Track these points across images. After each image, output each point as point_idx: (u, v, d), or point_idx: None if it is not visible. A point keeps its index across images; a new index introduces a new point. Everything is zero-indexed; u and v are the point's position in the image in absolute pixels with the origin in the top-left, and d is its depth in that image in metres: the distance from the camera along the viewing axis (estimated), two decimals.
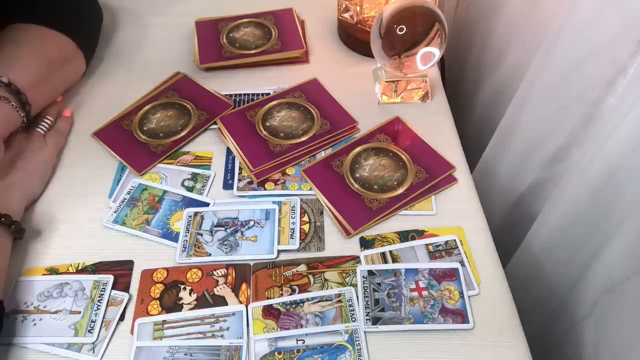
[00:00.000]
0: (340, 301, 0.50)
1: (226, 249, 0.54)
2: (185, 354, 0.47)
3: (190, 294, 0.51)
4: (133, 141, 0.63)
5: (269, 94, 0.68)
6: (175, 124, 0.64)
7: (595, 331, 0.55)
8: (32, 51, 0.60)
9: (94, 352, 0.47)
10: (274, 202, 0.57)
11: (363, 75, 0.70)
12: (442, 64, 0.83)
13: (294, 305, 0.50)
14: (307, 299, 0.50)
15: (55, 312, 0.49)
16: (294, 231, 0.55)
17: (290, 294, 0.50)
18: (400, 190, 0.57)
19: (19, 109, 0.56)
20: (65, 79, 0.65)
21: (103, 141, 0.63)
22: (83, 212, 0.57)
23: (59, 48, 0.63)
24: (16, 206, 0.54)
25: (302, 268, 0.52)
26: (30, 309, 0.50)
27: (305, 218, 0.56)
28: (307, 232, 0.55)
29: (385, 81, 0.66)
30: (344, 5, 0.71)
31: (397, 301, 0.49)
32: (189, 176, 0.60)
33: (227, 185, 0.59)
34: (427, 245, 0.54)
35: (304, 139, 0.62)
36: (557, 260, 0.62)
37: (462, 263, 0.52)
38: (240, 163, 0.61)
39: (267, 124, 0.64)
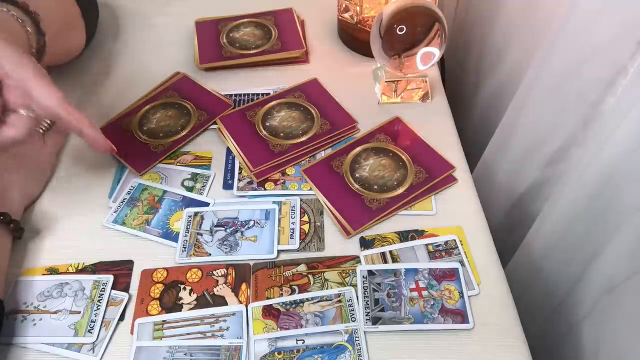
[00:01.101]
0: (340, 301, 0.50)
1: (226, 249, 0.54)
2: (185, 354, 0.47)
3: (190, 294, 0.51)
4: (133, 141, 0.63)
5: (269, 94, 0.68)
6: (175, 124, 0.64)
7: (595, 331, 0.56)
8: (56, 5, 0.60)
9: (93, 352, 0.47)
10: (274, 202, 0.57)
11: (363, 75, 0.70)
12: (442, 64, 0.84)
13: (293, 305, 0.50)
14: (307, 299, 0.50)
15: (55, 312, 0.49)
16: (293, 231, 0.55)
17: (290, 294, 0.50)
18: (400, 190, 0.57)
19: (34, 49, 0.54)
20: (70, 44, 0.65)
21: None
22: (83, 212, 0.57)
23: (68, 11, 0.63)
24: (16, 206, 0.54)
25: (302, 268, 0.52)
26: (30, 309, 0.50)
27: (305, 218, 0.56)
28: (307, 232, 0.55)
29: (385, 81, 0.66)
30: (344, 5, 0.71)
31: (397, 301, 0.49)
32: (189, 176, 0.60)
33: (227, 185, 0.59)
34: (427, 245, 0.54)
35: (304, 139, 0.62)
36: (557, 260, 0.62)
37: (462, 263, 0.52)
38: (240, 163, 0.61)
39: (267, 124, 0.64)
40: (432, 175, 0.58)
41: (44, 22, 0.54)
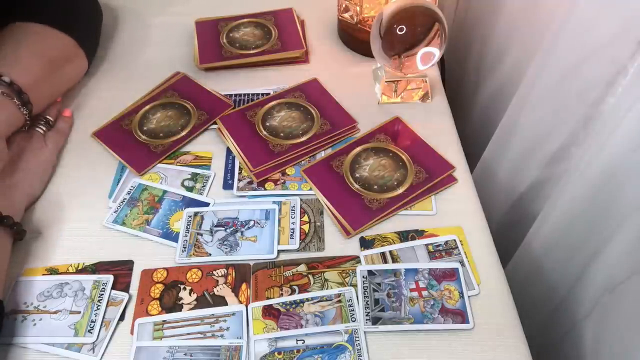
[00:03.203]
0: (340, 301, 0.50)
1: (226, 249, 0.54)
2: (185, 354, 0.47)
3: (190, 294, 0.51)
4: (133, 141, 0.63)
5: (269, 94, 0.68)
6: (175, 124, 0.64)
7: (595, 331, 0.56)
8: (33, 50, 0.60)
9: (93, 352, 0.47)
10: (274, 202, 0.57)
11: (363, 75, 0.70)
12: (442, 64, 0.83)
13: (293, 305, 0.50)
14: (307, 299, 0.50)
15: (55, 312, 0.49)
16: (294, 231, 0.55)
17: (290, 294, 0.50)
18: (400, 190, 0.57)
19: (22, 107, 0.56)
20: (67, 77, 0.65)
21: (103, 141, 0.63)
22: (83, 212, 0.57)
23: (60, 47, 0.63)
24: (17, 206, 0.54)
25: (302, 268, 0.52)
26: (30, 309, 0.50)
27: (305, 218, 0.56)
28: (307, 232, 0.55)
29: (385, 81, 0.66)
30: (344, 5, 0.71)
31: (397, 301, 0.49)
32: (189, 176, 0.60)
33: (227, 185, 0.59)
34: (427, 245, 0.54)
35: (304, 139, 0.62)
36: (557, 260, 0.62)
37: (462, 263, 0.52)
38: (240, 163, 0.61)
39: (267, 124, 0.64)
40: (432, 175, 0.58)
41: (30, 94, 0.57)
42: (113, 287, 0.51)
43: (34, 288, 0.51)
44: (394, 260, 0.53)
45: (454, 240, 0.54)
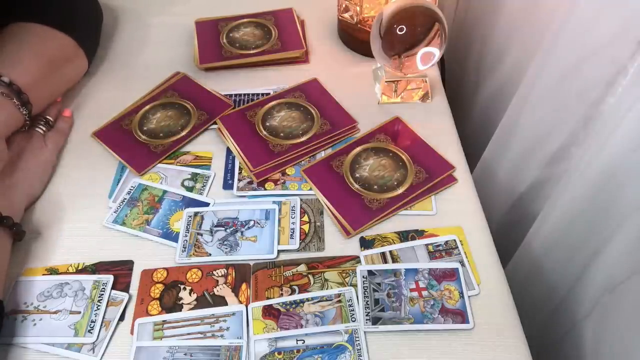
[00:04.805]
0: (340, 301, 0.50)
1: (226, 249, 0.54)
2: (185, 354, 0.47)
3: (190, 294, 0.51)
4: (133, 141, 0.63)
5: (269, 94, 0.68)
6: (175, 124, 0.64)
7: (595, 331, 0.56)
8: (33, 50, 0.60)
9: (93, 352, 0.47)
10: (274, 202, 0.57)
11: (363, 75, 0.70)
12: (442, 64, 0.83)
13: (293, 305, 0.50)
14: (307, 299, 0.50)
15: (55, 312, 0.49)
16: (294, 231, 0.55)
17: (290, 294, 0.50)
18: (400, 190, 0.57)
19: (21, 107, 0.56)
20: (67, 78, 0.65)
21: (103, 141, 0.63)
22: (83, 212, 0.57)
23: (60, 47, 0.63)
24: (17, 206, 0.54)
25: (302, 268, 0.52)
26: (30, 309, 0.50)
27: (305, 218, 0.56)
28: (307, 232, 0.55)
29: (385, 81, 0.66)
30: (344, 5, 0.71)
31: (397, 301, 0.49)
32: (189, 176, 0.60)
33: (227, 185, 0.59)
34: (427, 245, 0.54)
35: (304, 139, 0.62)
36: (557, 260, 0.62)
37: (462, 263, 0.52)
38: (240, 163, 0.61)
39: (267, 124, 0.64)
40: (432, 175, 0.58)
41: (30, 94, 0.57)
42: (113, 287, 0.51)
43: (34, 288, 0.51)
44: (394, 260, 0.53)
45: (454, 240, 0.54)
